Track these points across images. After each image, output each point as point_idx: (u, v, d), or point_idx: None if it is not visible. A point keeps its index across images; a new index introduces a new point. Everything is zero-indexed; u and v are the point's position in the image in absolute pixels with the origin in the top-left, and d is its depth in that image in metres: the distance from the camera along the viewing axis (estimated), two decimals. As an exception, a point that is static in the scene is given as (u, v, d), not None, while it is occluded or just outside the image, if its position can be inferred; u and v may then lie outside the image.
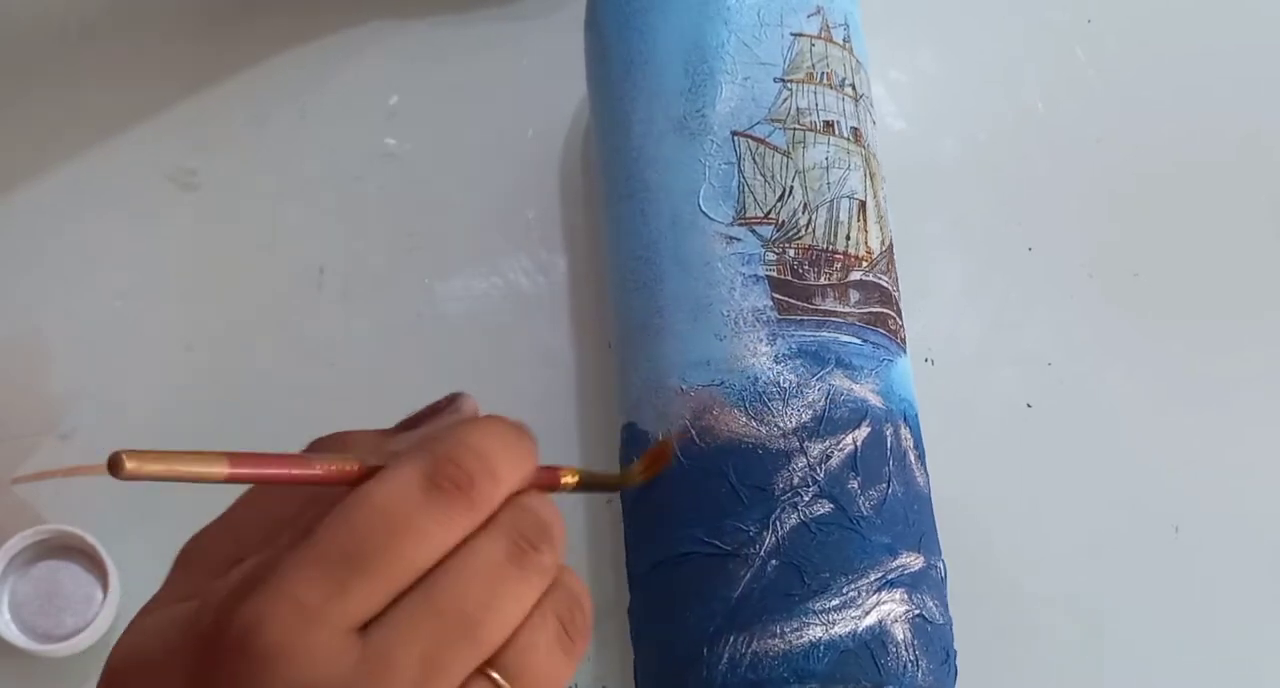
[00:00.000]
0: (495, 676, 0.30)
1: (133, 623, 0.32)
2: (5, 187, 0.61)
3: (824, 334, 0.49)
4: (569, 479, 0.34)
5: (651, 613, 0.50)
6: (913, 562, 0.48)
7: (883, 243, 0.52)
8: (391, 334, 0.60)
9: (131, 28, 0.63)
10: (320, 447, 0.32)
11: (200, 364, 0.59)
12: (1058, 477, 0.60)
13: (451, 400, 0.34)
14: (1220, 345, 0.62)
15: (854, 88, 0.54)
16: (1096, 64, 0.67)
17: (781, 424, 0.48)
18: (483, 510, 0.30)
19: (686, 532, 0.48)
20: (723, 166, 0.51)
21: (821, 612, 0.46)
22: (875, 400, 0.49)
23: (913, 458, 0.50)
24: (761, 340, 0.49)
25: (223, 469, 0.27)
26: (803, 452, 0.47)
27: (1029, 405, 0.61)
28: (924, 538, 0.49)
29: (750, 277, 0.49)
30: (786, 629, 0.46)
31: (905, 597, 0.47)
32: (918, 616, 0.47)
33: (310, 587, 0.28)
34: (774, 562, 0.46)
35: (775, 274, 0.49)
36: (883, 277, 0.52)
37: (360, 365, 0.59)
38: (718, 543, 0.47)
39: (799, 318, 0.49)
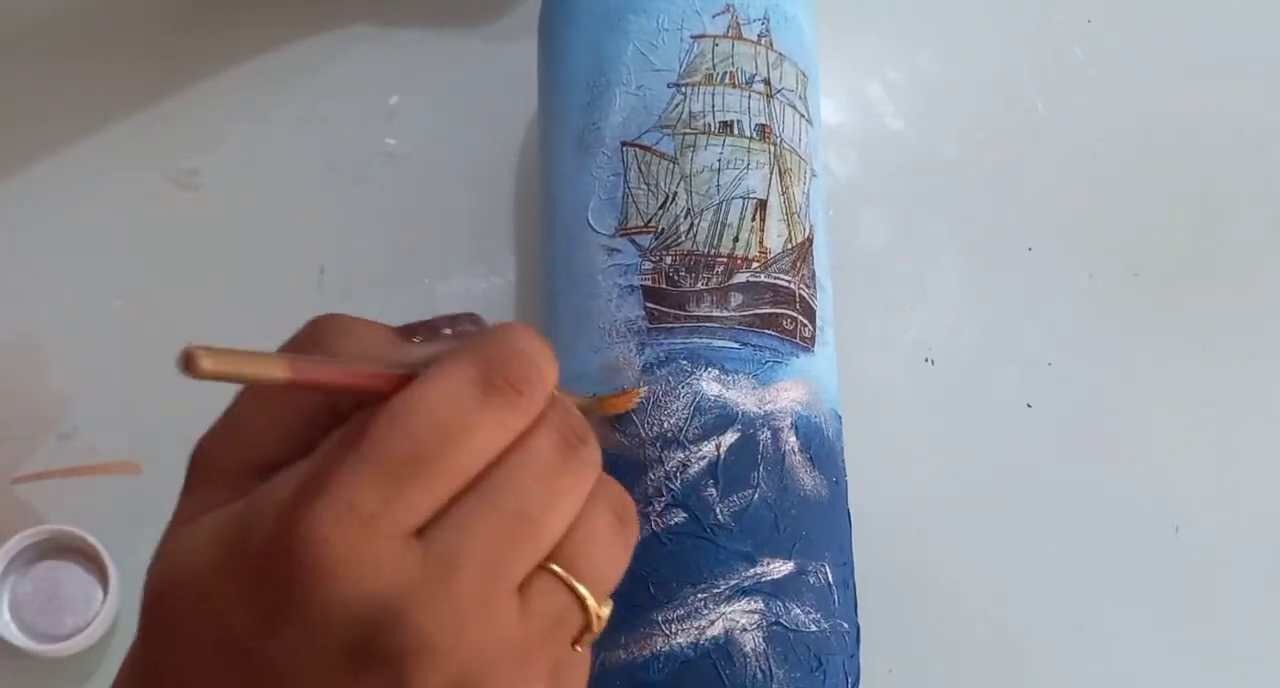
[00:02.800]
0: (557, 569, 0.30)
1: (166, 543, 0.31)
2: (4, 186, 0.61)
3: (695, 341, 0.49)
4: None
5: None
6: (776, 569, 0.47)
7: (788, 241, 0.51)
8: (391, 334, 0.60)
9: (131, 27, 0.63)
10: (321, 330, 0.32)
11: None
12: (1058, 477, 0.60)
13: (472, 317, 0.34)
14: (1220, 345, 0.63)
15: (767, 83, 0.52)
16: (1096, 64, 0.67)
17: (642, 434, 0.47)
18: (534, 411, 0.30)
19: None
20: (610, 178, 0.51)
21: (664, 622, 0.45)
22: (750, 405, 0.48)
23: (798, 461, 0.49)
24: (631, 351, 0.49)
25: (283, 373, 0.27)
26: (660, 462, 0.47)
27: (1029, 405, 0.61)
28: (801, 544, 0.48)
29: (626, 287, 0.49)
30: (630, 640, 0.45)
31: (760, 605, 0.46)
32: (775, 624, 0.46)
33: (368, 494, 0.27)
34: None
35: (650, 283, 0.49)
36: (780, 276, 0.50)
37: (360, 365, 0.59)
38: None
39: (670, 326, 0.49)
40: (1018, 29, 0.68)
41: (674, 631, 0.45)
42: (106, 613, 0.53)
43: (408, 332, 0.32)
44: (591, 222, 0.51)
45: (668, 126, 0.51)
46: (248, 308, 0.60)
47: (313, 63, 0.64)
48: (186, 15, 0.64)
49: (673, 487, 0.47)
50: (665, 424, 0.47)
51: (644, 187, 0.50)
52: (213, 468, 0.32)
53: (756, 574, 0.46)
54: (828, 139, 0.64)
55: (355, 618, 0.27)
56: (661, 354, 0.48)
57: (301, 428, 0.31)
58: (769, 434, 0.48)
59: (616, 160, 0.51)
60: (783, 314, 0.50)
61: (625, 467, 0.47)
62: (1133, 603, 0.58)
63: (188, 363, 0.26)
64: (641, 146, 0.51)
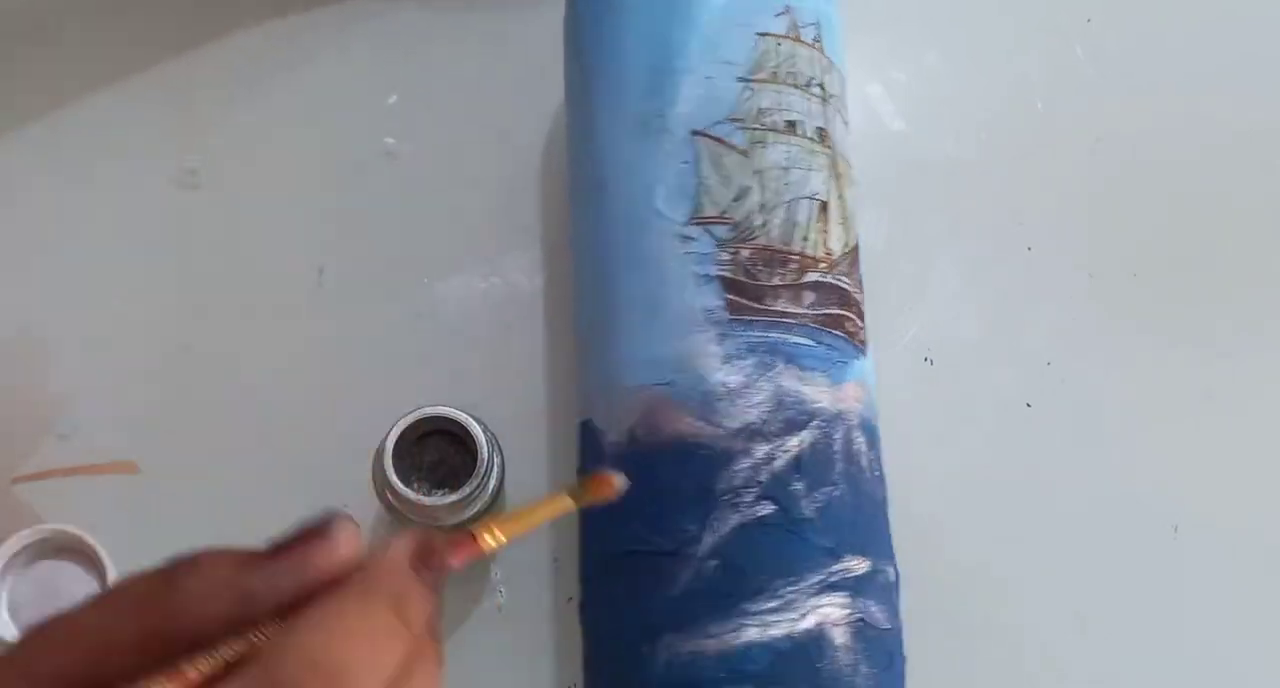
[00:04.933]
0: None
1: None
2: (5, 186, 0.61)
3: (774, 335, 0.49)
4: (491, 542, 0.32)
5: (599, 610, 0.50)
6: (856, 566, 0.47)
7: (845, 245, 0.52)
8: (391, 334, 0.60)
9: (130, 26, 0.63)
10: (176, 570, 0.30)
11: (200, 364, 0.59)
12: (1057, 477, 0.60)
13: (326, 527, 0.30)
14: (1220, 345, 0.62)
15: (822, 88, 0.53)
16: (1096, 63, 0.67)
17: (727, 424, 0.48)
18: None
19: (631, 530, 0.48)
20: (680, 166, 0.50)
21: (758, 614, 0.46)
22: (826, 403, 0.49)
23: (865, 462, 0.49)
24: (711, 340, 0.49)
25: None
26: (747, 453, 0.47)
27: (1029, 405, 0.61)
28: (871, 543, 0.48)
29: (702, 276, 0.49)
30: (722, 630, 0.46)
31: (846, 601, 0.46)
32: (859, 620, 0.47)
33: None
34: (712, 562, 0.46)
35: (728, 274, 0.49)
36: (842, 279, 0.51)
37: (360, 365, 0.59)
38: (660, 542, 0.47)
39: (749, 318, 0.49)
40: (1018, 29, 0.68)
41: (768, 622, 0.45)
42: (106, 613, 0.53)
43: (270, 551, 0.30)
44: (660, 207, 0.50)
45: (738, 120, 0.51)
46: (248, 308, 0.60)
47: (312, 62, 0.64)
48: (186, 16, 0.64)
49: (760, 478, 0.47)
50: (751, 416, 0.48)
51: (716, 177, 0.50)
52: (17, 667, 0.29)
53: (840, 570, 0.47)
54: (828, 139, 0.64)
55: None
56: (743, 346, 0.48)
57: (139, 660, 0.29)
58: (843, 433, 0.49)
59: (686, 148, 0.51)
60: (845, 316, 0.51)
61: (711, 455, 0.47)
62: (1132, 603, 0.58)
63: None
64: (713, 137, 0.51)
